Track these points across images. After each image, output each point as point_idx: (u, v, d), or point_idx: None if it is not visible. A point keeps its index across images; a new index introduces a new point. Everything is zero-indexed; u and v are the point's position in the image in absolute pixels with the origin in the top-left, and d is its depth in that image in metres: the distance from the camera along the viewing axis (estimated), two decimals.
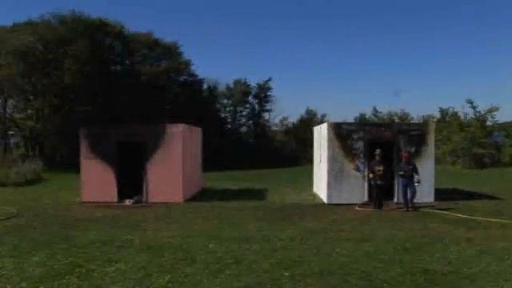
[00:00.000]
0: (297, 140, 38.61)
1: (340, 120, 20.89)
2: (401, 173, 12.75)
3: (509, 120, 30.68)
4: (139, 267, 7.02)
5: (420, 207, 12.55)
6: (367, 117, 38.31)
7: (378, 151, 12.81)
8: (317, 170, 16.69)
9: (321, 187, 15.28)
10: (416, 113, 58.55)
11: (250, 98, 39.09)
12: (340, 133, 13.88)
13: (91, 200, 14.19)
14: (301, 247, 8.27)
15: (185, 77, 35.92)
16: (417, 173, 12.64)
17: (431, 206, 12.96)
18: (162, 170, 14.19)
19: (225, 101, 39.18)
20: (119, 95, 33.04)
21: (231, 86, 38.79)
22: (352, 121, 31.01)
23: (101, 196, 14.23)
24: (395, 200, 13.81)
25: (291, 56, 78.42)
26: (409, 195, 12.64)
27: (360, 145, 13.88)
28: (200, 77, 37.14)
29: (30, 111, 33.82)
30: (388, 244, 8.48)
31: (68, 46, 29.93)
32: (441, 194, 14.42)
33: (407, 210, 12.34)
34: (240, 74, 77.92)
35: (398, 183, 13.08)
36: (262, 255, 7.67)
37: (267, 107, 39.60)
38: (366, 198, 13.62)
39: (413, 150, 13.72)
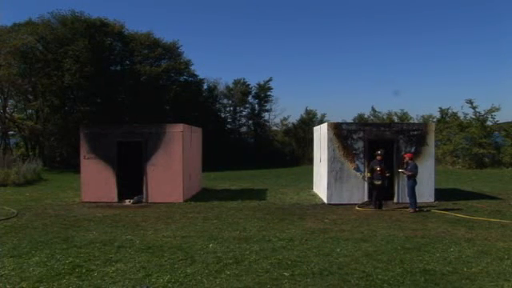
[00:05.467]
0: (297, 140, 38.55)
1: (339, 120, 20.90)
2: (409, 173, 12.55)
3: (509, 120, 30.60)
4: (139, 267, 7.03)
5: (422, 208, 12.57)
6: (366, 117, 38.26)
7: (380, 151, 12.79)
8: (317, 170, 16.69)
9: (321, 187, 15.28)
10: (416, 113, 58.70)
11: (250, 98, 38.96)
12: (340, 133, 13.89)
13: (91, 200, 14.20)
14: (301, 247, 8.27)
15: (185, 77, 35.79)
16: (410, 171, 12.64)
17: (431, 206, 12.97)
18: (162, 170, 14.20)
19: (225, 101, 39.11)
20: (119, 95, 33.01)
21: (231, 86, 38.74)
22: (351, 121, 30.98)
23: (101, 196, 14.24)
24: (395, 200, 13.83)
25: (291, 56, 78.61)
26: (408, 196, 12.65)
27: (360, 145, 13.89)
28: (200, 77, 37.08)
29: (30, 111, 33.81)
30: (388, 244, 8.49)
31: (68, 46, 29.90)
32: (441, 194, 14.43)
33: (415, 211, 12.18)
34: (240, 74, 78.24)
35: (406, 184, 12.84)
36: (262, 255, 7.68)
37: (267, 107, 39.49)
38: (366, 198, 13.63)
39: (413, 149, 13.74)
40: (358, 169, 13.79)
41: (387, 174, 12.72)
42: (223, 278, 6.48)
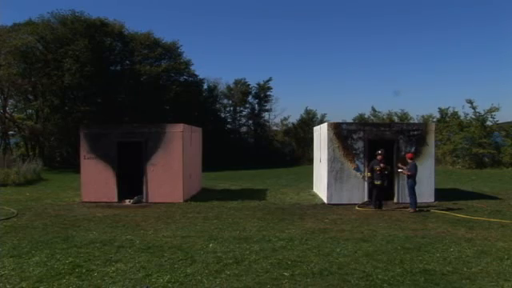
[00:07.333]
0: (297, 140, 38.58)
1: (339, 120, 20.91)
2: (409, 173, 12.55)
3: (509, 120, 30.55)
4: (139, 267, 7.03)
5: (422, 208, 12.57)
6: (366, 116, 38.27)
7: (380, 151, 12.79)
8: (317, 170, 16.69)
9: (321, 187, 15.28)
10: (416, 113, 58.69)
11: (250, 98, 39.01)
12: (340, 133, 13.89)
13: (91, 200, 14.20)
14: (301, 247, 8.27)
15: (185, 77, 35.80)
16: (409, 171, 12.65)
17: (431, 206, 12.96)
18: (162, 170, 14.20)
19: (225, 101, 39.15)
20: (119, 95, 33.01)
21: (231, 86, 38.77)
22: (351, 121, 30.95)
23: (101, 196, 14.24)
24: (395, 200, 13.83)
25: (291, 56, 78.58)
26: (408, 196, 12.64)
27: (360, 145, 13.88)
28: (200, 77, 37.11)
29: (30, 111, 33.81)
30: (388, 244, 8.49)
31: (68, 46, 29.92)
32: (441, 194, 14.43)
33: (415, 211, 12.18)
34: (240, 74, 78.19)
35: (406, 184, 12.88)
36: (262, 255, 7.68)
37: (267, 107, 39.53)
38: (366, 198, 13.63)
39: (413, 149, 13.74)
40: (358, 169, 13.79)
41: (386, 172, 12.71)
42: (223, 278, 6.48)
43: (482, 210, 12.49)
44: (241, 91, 38.15)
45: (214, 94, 38.47)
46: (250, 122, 39.73)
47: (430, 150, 14.01)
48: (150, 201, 14.17)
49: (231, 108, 39.10)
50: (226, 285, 6.22)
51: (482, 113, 29.25)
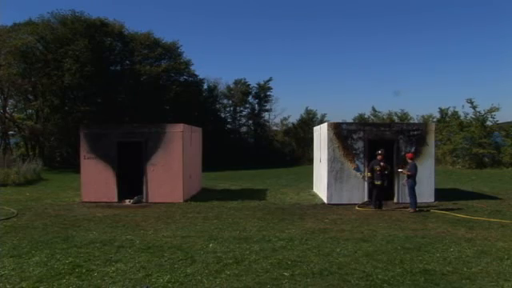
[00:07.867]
0: (297, 140, 38.57)
1: (339, 120, 20.92)
2: (408, 173, 12.55)
3: (509, 120, 30.53)
4: (139, 267, 7.03)
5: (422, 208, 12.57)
6: (366, 117, 38.27)
7: (380, 151, 12.79)
8: (317, 170, 16.69)
9: (321, 187, 15.28)
10: (416, 113, 58.68)
11: (250, 98, 39.01)
12: (340, 133, 13.89)
13: (91, 200, 14.20)
14: (301, 247, 8.27)
15: (185, 77, 35.79)
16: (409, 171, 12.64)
17: (431, 206, 12.96)
18: (162, 170, 14.20)
19: (225, 101, 39.15)
20: (119, 95, 33.01)
21: (231, 86, 38.78)
22: (351, 121, 30.95)
23: (101, 196, 14.24)
24: (395, 200, 13.83)
25: (291, 56, 78.57)
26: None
27: (360, 145, 13.88)
28: (200, 77, 37.11)
29: (30, 111, 33.81)
30: (388, 244, 8.49)
31: (68, 46, 29.92)
32: (441, 194, 14.43)
33: (415, 211, 12.18)
34: (240, 74, 78.12)
35: (407, 184, 12.86)
36: (262, 255, 7.68)
37: (267, 107, 39.54)
38: (366, 198, 13.62)
39: (413, 149, 13.73)
40: (358, 169, 13.79)
41: (386, 172, 12.71)
42: (223, 278, 6.48)
43: (482, 209, 12.49)
44: (241, 91, 38.15)
45: (214, 94, 38.47)
46: (250, 122, 39.73)
47: (430, 150, 14.01)
48: (150, 201, 14.17)
49: (231, 108, 39.10)
50: (226, 285, 6.22)
51: (482, 113, 29.26)
